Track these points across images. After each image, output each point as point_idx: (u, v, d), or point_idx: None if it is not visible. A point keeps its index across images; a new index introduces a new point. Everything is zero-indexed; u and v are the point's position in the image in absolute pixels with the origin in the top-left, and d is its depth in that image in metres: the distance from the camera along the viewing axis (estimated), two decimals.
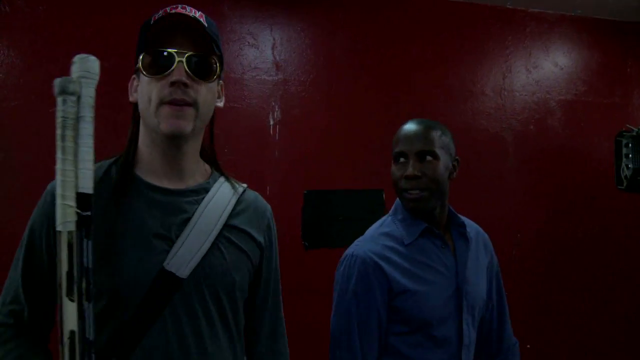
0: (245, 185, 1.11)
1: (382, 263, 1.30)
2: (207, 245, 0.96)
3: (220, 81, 1.06)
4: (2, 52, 2.34)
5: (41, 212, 0.94)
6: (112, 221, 0.92)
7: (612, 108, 3.15)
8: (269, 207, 1.13)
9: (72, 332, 0.72)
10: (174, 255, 0.92)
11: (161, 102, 0.92)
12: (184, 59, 0.92)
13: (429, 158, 1.30)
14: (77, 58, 0.77)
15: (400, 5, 2.88)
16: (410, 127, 1.36)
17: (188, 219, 0.96)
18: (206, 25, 0.96)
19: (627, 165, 2.63)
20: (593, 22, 3.17)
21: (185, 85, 0.92)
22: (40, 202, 0.96)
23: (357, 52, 2.78)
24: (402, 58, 2.84)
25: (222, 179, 1.06)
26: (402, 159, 1.33)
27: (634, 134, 2.60)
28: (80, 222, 0.75)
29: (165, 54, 0.92)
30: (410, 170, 1.29)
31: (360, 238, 1.40)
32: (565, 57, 3.13)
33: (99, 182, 0.93)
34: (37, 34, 2.38)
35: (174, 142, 0.96)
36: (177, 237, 0.94)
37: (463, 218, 1.44)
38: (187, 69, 0.92)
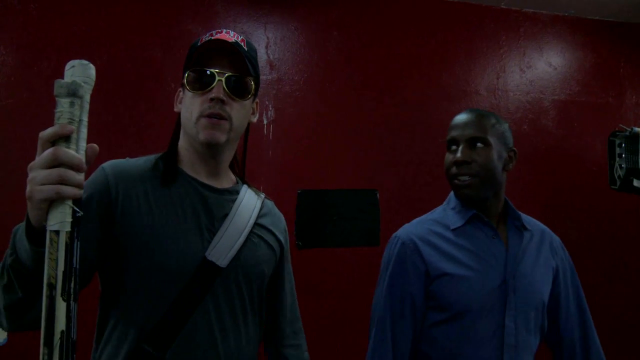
0: (264, 193, 1.24)
1: (422, 245, 1.29)
2: (242, 239, 1.08)
3: (256, 99, 1.18)
4: None
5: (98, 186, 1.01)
6: (166, 206, 1.04)
7: (605, 108, 3.16)
8: (282, 215, 1.28)
9: (62, 333, 0.71)
10: (215, 247, 1.04)
11: (201, 115, 1.04)
12: (223, 79, 1.04)
13: (480, 145, 1.27)
14: (76, 63, 0.77)
15: (394, 4, 2.88)
16: (463, 115, 1.35)
17: (226, 215, 1.09)
18: (246, 49, 1.09)
19: (620, 165, 2.63)
20: (587, 23, 3.19)
21: (223, 102, 1.04)
22: (98, 177, 1.03)
23: (351, 51, 2.78)
24: (396, 58, 2.84)
25: (245, 187, 1.20)
26: (453, 146, 1.31)
27: (627, 134, 2.60)
28: (75, 222, 0.74)
29: (207, 72, 1.05)
30: (459, 156, 1.26)
31: (409, 222, 1.39)
32: (559, 57, 3.13)
33: (147, 171, 1.07)
34: (28, 31, 2.36)
35: (210, 150, 1.08)
36: (218, 230, 1.06)
37: (529, 218, 1.40)
38: (225, 88, 1.04)
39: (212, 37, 1.06)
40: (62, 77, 0.76)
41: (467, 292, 1.23)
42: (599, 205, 3.07)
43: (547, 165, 3.02)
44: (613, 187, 2.87)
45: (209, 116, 1.04)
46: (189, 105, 1.06)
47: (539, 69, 3.09)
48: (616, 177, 2.70)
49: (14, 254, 0.81)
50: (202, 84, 1.04)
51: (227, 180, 1.17)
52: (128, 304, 1.00)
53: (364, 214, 2.66)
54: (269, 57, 2.67)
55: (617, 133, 2.68)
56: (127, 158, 1.10)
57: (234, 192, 1.14)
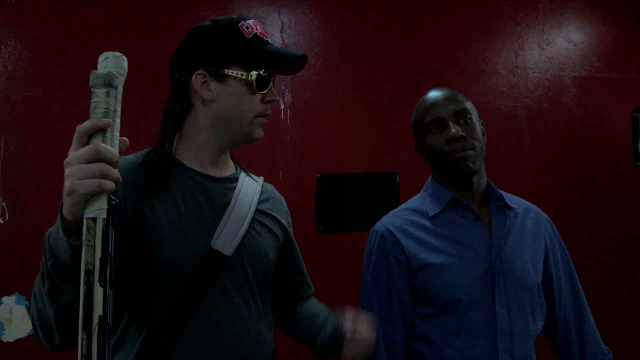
0: (262, 177, 1.25)
1: (401, 237, 1.24)
2: (245, 226, 1.08)
3: None
4: (9, 43, 2.33)
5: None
6: (167, 201, 1.03)
7: (628, 83, 3.08)
8: (283, 197, 1.31)
9: (100, 317, 0.72)
10: (219, 236, 1.04)
11: (258, 115, 1.09)
12: (274, 79, 1.12)
13: (467, 119, 1.23)
14: (110, 54, 0.80)
15: None
16: (436, 93, 1.29)
17: (227, 203, 1.09)
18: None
19: None
20: None
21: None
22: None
23: (366, 33, 2.73)
24: (412, 38, 2.79)
25: (243, 173, 1.20)
26: (438, 127, 1.25)
27: None
28: (110, 210, 0.76)
29: (268, 75, 1.08)
30: (453, 131, 1.20)
31: (387, 214, 1.35)
32: (578, 32, 3.06)
33: (143, 167, 1.05)
34: (43, 24, 2.36)
35: (246, 144, 1.14)
36: (220, 219, 1.06)
37: (514, 197, 1.36)
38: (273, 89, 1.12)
39: (258, 32, 1.09)
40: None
41: (452, 282, 1.18)
42: (623, 183, 3.00)
43: (569, 143, 2.96)
44: (638, 163, 2.82)
45: (265, 116, 1.11)
46: (242, 102, 1.07)
47: (558, 46, 3.02)
48: None
49: (53, 256, 0.82)
50: (264, 85, 1.08)
51: (228, 167, 1.18)
52: (139, 300, 1.01)
53: (384, 197, 2.64)
54: (284, 41, 2.64)
55: None
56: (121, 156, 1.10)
57: (233, 180, 1.14)
